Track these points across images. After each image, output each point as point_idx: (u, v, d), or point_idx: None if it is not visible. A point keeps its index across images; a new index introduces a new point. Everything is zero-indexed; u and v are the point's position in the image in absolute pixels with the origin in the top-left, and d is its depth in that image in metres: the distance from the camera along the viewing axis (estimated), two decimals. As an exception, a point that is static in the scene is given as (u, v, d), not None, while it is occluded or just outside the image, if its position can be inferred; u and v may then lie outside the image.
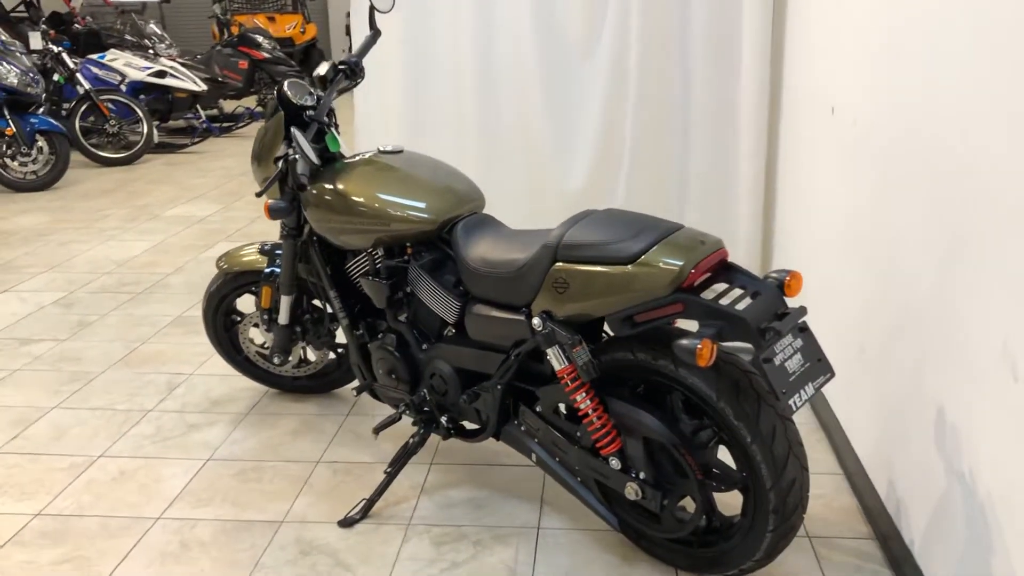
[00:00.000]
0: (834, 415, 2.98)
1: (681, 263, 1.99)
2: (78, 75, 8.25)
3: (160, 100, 9.16)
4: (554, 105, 4.32)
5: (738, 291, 2.04)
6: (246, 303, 3.82)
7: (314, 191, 2.63)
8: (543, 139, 4.36)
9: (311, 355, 3.30)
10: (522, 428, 2.46)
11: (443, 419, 2.62)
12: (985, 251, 1.83)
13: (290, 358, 3.22)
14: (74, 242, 5.70)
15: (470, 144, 4.39)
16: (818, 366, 2.04)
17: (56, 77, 8.31)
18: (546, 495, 2.71)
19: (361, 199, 2.54)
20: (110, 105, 8.31)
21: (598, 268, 2.09)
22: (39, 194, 7.16)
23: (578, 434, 2.32)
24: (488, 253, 2.38)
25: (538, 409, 2.40)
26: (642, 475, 2.20)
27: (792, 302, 2.71)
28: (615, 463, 2.22)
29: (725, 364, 2.08)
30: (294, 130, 2.51)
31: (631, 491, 2.21)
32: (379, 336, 2.73)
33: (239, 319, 3.32)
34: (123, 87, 8.91)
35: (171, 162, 8.53)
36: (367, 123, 4.42)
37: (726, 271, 2.09)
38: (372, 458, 2.95)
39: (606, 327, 2.24)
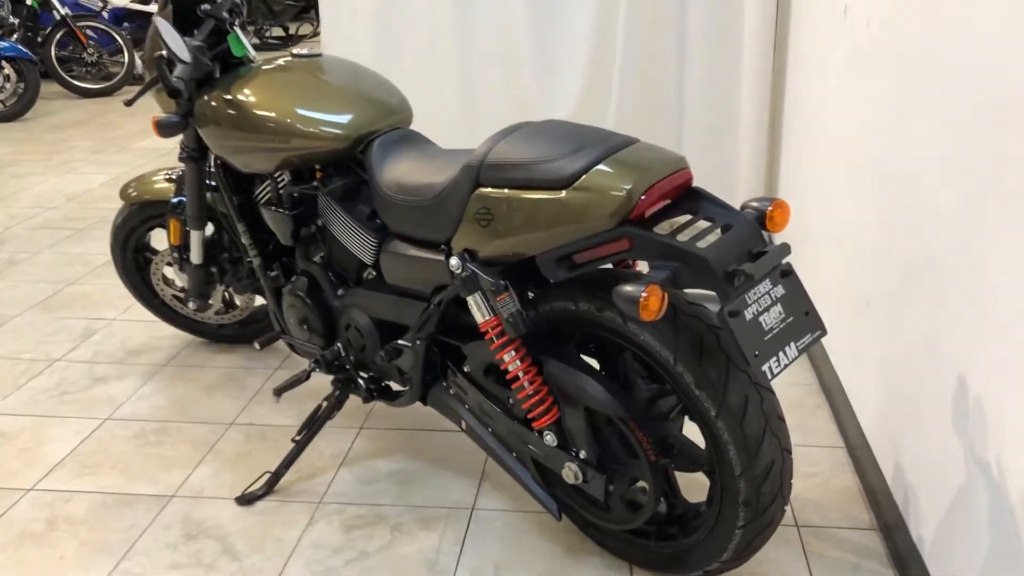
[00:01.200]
0: (837, 377, 2.52)
1: (628, 187, 1.53)
2: (53, -1, 7.77)
3: (144, 28, 8.66)
4: (538, 26, 3.82)
5: (703, 224, 1.58)
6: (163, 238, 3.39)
7: (211, 102, 2.17)
8: (526, 64, 3.87)
9: (237, 299, 2.88)
10: (451, 391, 2.03)
11: (362, 378, 2.19)
12: (1022, 188, 1.36)
13: (211, 302, 2.80)
14: (29, 175, 5.29)
15: (448, 68, 3.91)
16: (804, 321, 1.59)
17: (30, 1, 7.83)
18: (488, 468, 2.29)
19: (259, 111, 2.08)
20: (89, 33, 7.85)
21: (526, 194, 1.63)
22: (6, 125, 6.75)
23: (510, 401, 1.89)
24: (404, 176, 1.92)
25: (466, 369, 1.97)
26: (583, 454, 1.77)
27: (782, 241, 2.22)
28: (550, 438, 1.79)
29: (686, 317, 1.62)
30: (157, 20, 2.04)
31: (570, 473, 1.78)
32: (291, 282, 2.30)
33: (153, 256, 2.89)
34: (104, 13, 8.41)
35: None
36: (335, 41, 3.95)
37: (691, 199, 1.63)
38: (294, 420, 2.54)
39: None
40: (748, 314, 1.50)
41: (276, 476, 2.22)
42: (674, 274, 1.49)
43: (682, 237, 1.54)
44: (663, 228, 1.57)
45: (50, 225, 4.34)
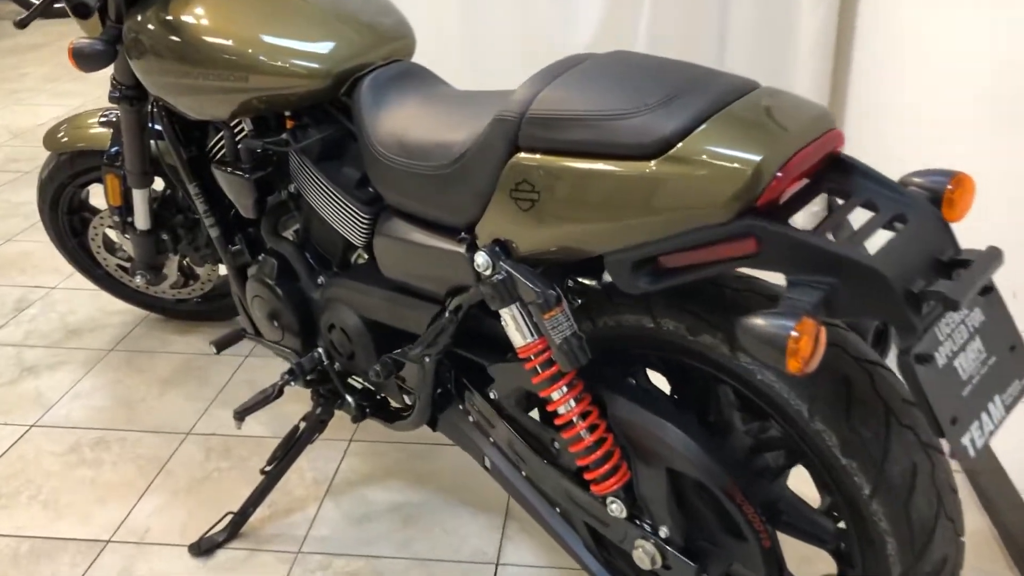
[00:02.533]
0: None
1: (756, 158, 0.99)
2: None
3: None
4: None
5: (860, 212, 1.05)
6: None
7: (146, 25, 1.61)
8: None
9: (197, 270, 2.34)
10: (470, 418, 1.51)
11: (351, 394, 1.68)
12: None
13: (164, 274, 2.27)
14: (-27, 106, 4.67)
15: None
16: (1010, 362, 1.07)
17: (-21, -91, 7.05)
18: (514, 504, 1.80)
19: (208, 37, 1.52)
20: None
21: (591, 165, 1.09)
22: (-47, 48, 6.08)
23: (555, 445, 1.37)
24: (407, 131, 1.37)
25: (492, 395, 1.45)
26: (663, 531, 1.27)
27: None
28: (616, 507, 1.28)
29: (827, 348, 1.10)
30: None
31: (644, 556, 1.28)
32: (257, 261, 1.76)
33: (91, 217, 2.35)
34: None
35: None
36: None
37: (837, 172, 1.09)
38: (267, 429, 2.03)
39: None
40: (940, 358, 0.98)
41: (242, 517, 1.72)
42: (828, 295, 0.97)
43: (835, 235, 1.01)
44: (801, 220, 1.04)
45: (-10, 167, 3.76)
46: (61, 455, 1.95)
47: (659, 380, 1.33)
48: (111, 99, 1.88)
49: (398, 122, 1.40)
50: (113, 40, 1.71)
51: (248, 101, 1.53)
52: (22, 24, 1.66)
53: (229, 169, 1.62)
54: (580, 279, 1.34)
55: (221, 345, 1.78)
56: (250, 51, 1.49)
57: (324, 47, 1.49)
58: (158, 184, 2.09)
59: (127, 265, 2.35)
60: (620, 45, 3.36)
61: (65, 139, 2.14)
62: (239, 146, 1.61)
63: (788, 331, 0.91)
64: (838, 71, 2.99)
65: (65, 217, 2.30)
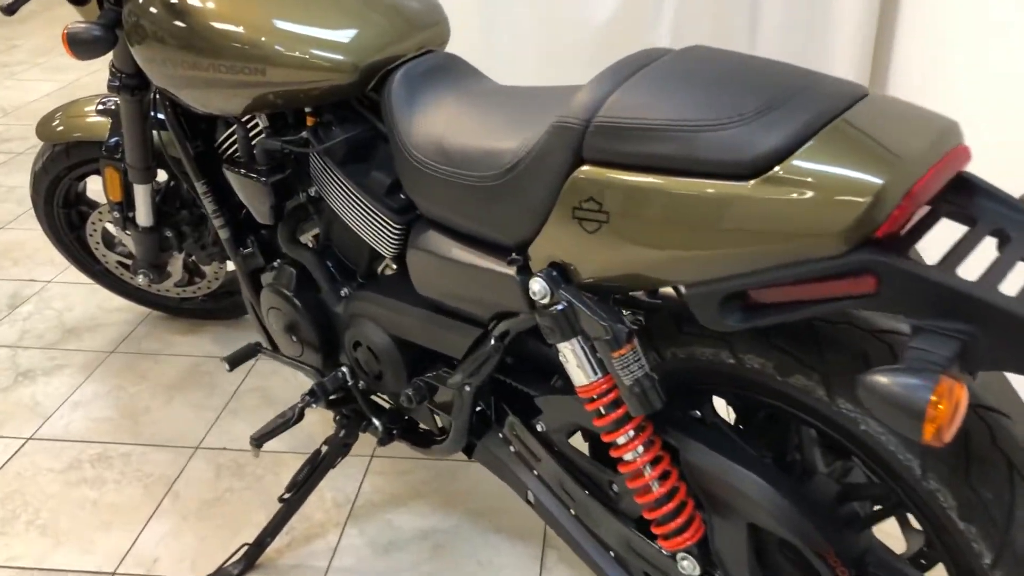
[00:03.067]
0: None
1: (880, 181, 0.83)
2: None
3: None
4: None
5: (989, 241, 0.90)
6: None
7: (148, 7, 1.44)
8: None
9: (204, 268, 2.19)
10: (511, 448, 1.37)
11: (377, 415, 1.53)
12: None
13: (171, 272, 2.12)
14: (-37, 81, 4.48)
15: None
16: None
17: None
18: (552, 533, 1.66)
19: (218, 23, 1.36)
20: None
21: (674, 183, 0.94)
22: (-59, 19, 5.86)
23: (613, 488, 1.23)
24: (447, 134, 1.22)
25: (540, 428, 1.30)
26: (742, 593, 1.13)
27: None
28: (688, 564, 1.14)
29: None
30: None
31: (718, 620, 1.14)
32: (272, 267, 1.61)
33: (88, 211, 2.19)
34: None
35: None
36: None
37: (960, 193, 0.93)
38: (283, 443, 1.89)
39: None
40: None
41: (258, 548, 1.58)
42: (964, 347, 0.82)
43: (968, 273, 0.87)
44: (919, 254, 0.89)
45: (-19, 147, 3.59)
46: (60, 472, 1.81)
47: (718, 403, 1.19)
48: (110, 88, 1.72)
49: (436, 123, 1.25)
50: (112, 24, 1.55)
51: (263, 96, 1.37)
52: (10, 10, 1.49)
53: (243, 171, 1.46)
54: (638, 297, 1.20)
55: (234, 362, 1.63)
56: (266, 40, 1.33)
57: (350, 36, 1.33)
58: (161, 176, 1.93)
59: (128, 262, 2.19)
60: (641, 24, 3.19)
61: (60, 129, 1.97)
62: (254, 146, 1.45)
63: (926, 397, 0.76)
64: (878, 60, 2.82)
65: (61, 211, 2.15)
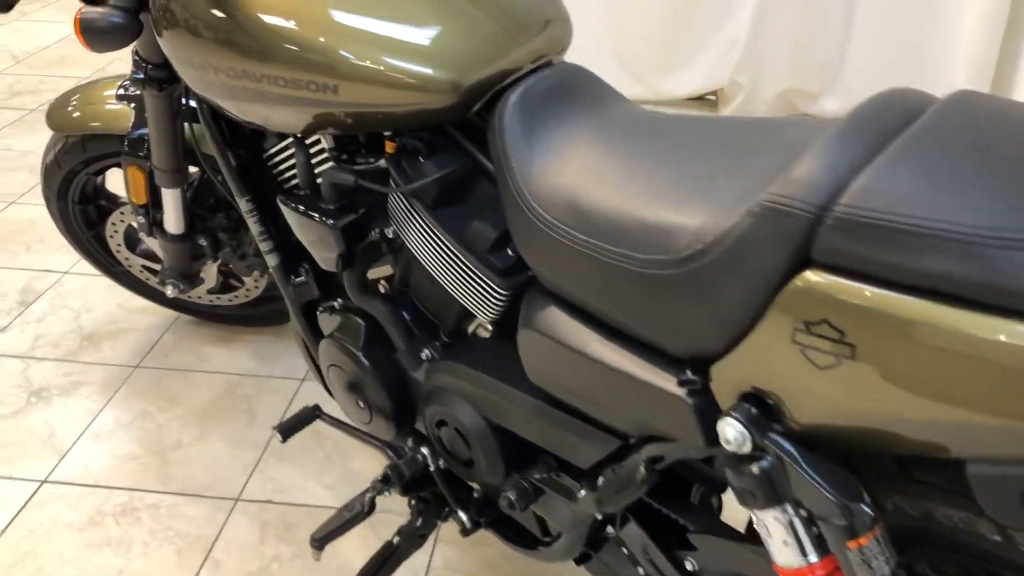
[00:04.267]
0: None
1: None
2: None
3: None
4: None
5: None
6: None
7: (175, 2, 1.13)
8: None
9: (243, 277, 1.90)
10: (638, 569, 1.09)
11: (463, 507, 1.25)
12: None
13: (203, 279, 1.84)
14: (-29, 21, 4.15)
15: None
16: None
17: None
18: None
19: (271, 18, 1.05)
20: None
21: (971, 320, 0.63)
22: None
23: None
24: (586, 188, 0.91)
25: (689, 566, 1.02)
26: None
27: None
28: None
29: None
30: None
31: None
32: (333, 308, 1.32)
33: (109, 207, 1.89)
34: None
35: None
36: None
37: None
38: (336, 495, 1.62)
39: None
40: None
41: (315, 651, 1.33)
42: None
43: None
44: None
45: (-10, 102, 3.28)
46: (80, 530, 1.55)
47: None
48: (133, 81, 1.41)
49: (568, 170, 0.94)
50: (136, 7, 1.23)
51: (331, 116, 1.06)
52: (7, 6, 1.17)
53: (302, 208, 1.16)
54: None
55: (288, 432, 1.36)
56: (337, 46, 1.01)
57: (449, 45, 1.01)
58: (191, 168, 1.63)
59: (154, 267, 1.91)
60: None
61: (75, 118, 1.67)
62: (317, 175, 1.14)
63: None
64: (1006, 54, 2.46)
65: (77, 207, 1.85)
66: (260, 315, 1.99)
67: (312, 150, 1.19)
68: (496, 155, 0.99)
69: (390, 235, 1.17)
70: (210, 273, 1.87)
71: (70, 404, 1.83)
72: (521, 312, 1.00)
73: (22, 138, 2.98)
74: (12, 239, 2.40)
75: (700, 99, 3.21)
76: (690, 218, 0.80)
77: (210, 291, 1.92)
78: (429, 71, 0.99)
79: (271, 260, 1.39)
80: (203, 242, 1.71)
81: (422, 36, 1.01)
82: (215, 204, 1.71)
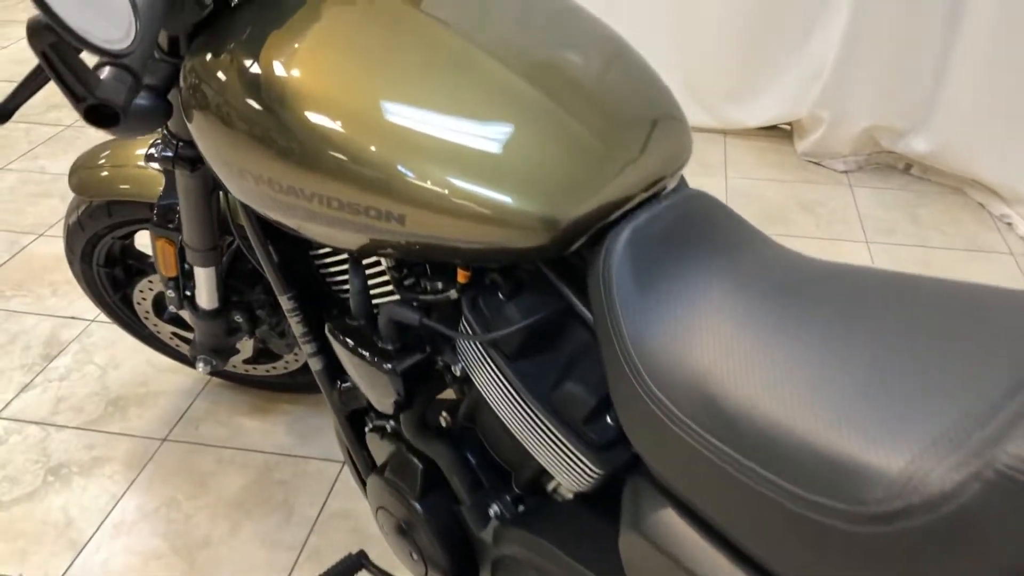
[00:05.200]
0: None
1: None
2: None
3: None
4: None
5: None
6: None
7: (215, 73, 0.94)
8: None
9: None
10: None
11: None
12: None
13: (238, 349, 1.67)
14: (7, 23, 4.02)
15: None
16: None
17: None
18: None
19: (321, 118, 0.85)
20: None
21: None
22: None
23: None
24: (726, 378, 0.70)
25: None
26: None
27: None
28: None
29: None
30: None
31: None
32: (384, 431, 1.13)
33: (138, 267, 1.72)
34: None
35: None
36: None
37: None
38: (379, 613, 1.44)
39: None
40: None
41: None
42: None
43: None
44: None
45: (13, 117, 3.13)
46: (95, 648, 1.39)
47: None
48: (161, 158, 1.23)
49: (698, 347, 0.74)
50: (165, 86, 1.04)
51: (395, 243, 0.87)
52: (5, 113, 0.98)
53: (356, 347, 0.97)
54: None
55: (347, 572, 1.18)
56: (404, 165, 0.82)
57: (543, 167, 0.82)
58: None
59: (186, 335, 1.74)
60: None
61: (100, 182, 1.49)
62: (375, 306, 0.96)
63: None
64: None
65: (102, 270, 1.68)
66: (300, 384, 1.82)
67: (370, 271, 1.00)
68: (600, 308, 0.80)
69: (458, 373, 0.98)
70: (246, 345, 1.69)
71: (89, 486, 1.67)
72: (624, 507, 0.81)
73: (56, 159, 2.83)
74: (38, 279, 2.25)
75: (772, 128, 2.99)
76: (880, 453, 0.60)
77: (246, 361, 1.75)
78: (517, 203, 0.80)
79: (314, 364, 1.21)
80: (239, 318, 1.53)
81: (509, 153, 0.81)
82: (252, 275, 1.54)
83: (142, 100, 1.02)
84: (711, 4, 2.74)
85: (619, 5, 2.84)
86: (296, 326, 1.20)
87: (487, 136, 0.82)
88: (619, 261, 0.79)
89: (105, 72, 0.74)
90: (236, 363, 1.77)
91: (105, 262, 1.67)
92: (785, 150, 2.92)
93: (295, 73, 0.88)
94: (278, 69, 0.88)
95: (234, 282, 1.53)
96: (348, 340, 0.97)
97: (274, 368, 1.75)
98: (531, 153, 0.81)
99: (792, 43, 2.73)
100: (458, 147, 0.81)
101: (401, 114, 0.83)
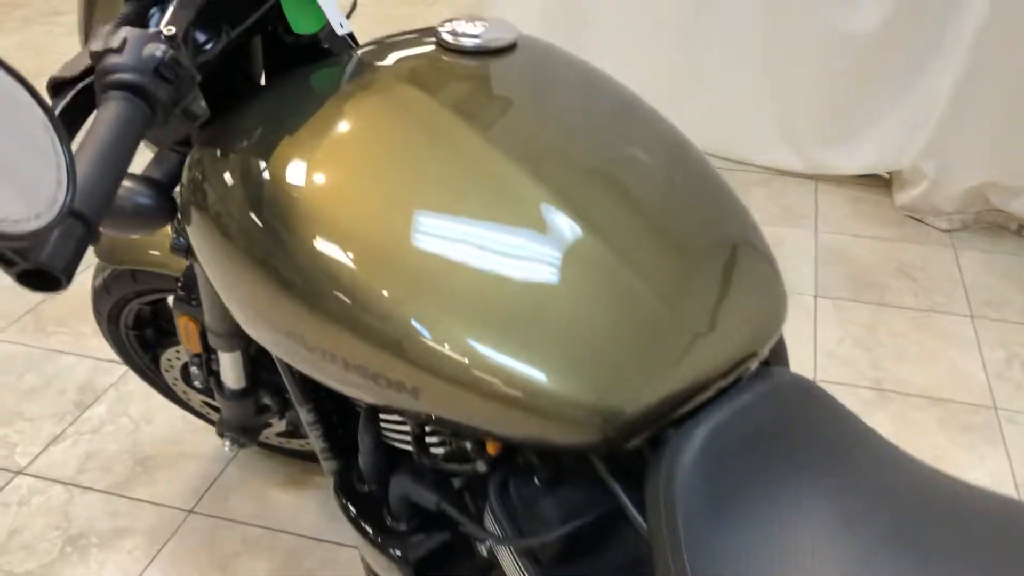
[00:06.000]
0: None
1: None
2: None
3: None
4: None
5: None
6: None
7: (218, 181, 0.81)
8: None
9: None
10: None
11: None
12: None
13: (270, 425, 1.54)
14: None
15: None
16: None
17: None
18: None
19: (329, 246, 0.70)
20: None
21: None
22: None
23: None
24: None
25: None
26: None
27: None
28: None
29: None
30: None
31: None
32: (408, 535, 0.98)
33: (169, 328, 1.61)
34: None
35: None
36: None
37: None
38: None
39: None
40: None
41: None
42: None
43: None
44: None
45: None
46: None
47: None
48: (173, 249, 1.09)
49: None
50: (170, 183, 0.91)
51: (411, 412, 0.71)
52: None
53: (357, 516, 0.81)
54: None
55: None
56: (415, 319, 0.66)
57: (590, 344, 0.65)
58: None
59: (218, 405, 1.61)
60: (920, 33, 2.34)
61: (122, 250, 1.37)
62: (390, 487, 0.80)
63: None
64: None
65: (131, 332, 1.57)
66: (336, 457, 1.68)
67: (386, 417, 0.85)
68: (658, 524, 0.63)
69: (485, 553, 0.82)
70: (280, 422, 1.56)
71: (108, 562, 1.56)
72: None
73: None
74: (79, 316, 2.17)
75: (868, 176, 2.75)
76: None
77: (279, 434, 1.62)
78: (555, 387, 0.63)
79: (335, 481, 1.06)
80: (268, 400, 1.40)
81: (548, 316, 0.65)
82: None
83: (143, 198, 0.89)
84: (810, 40, 2.52)
85: (705, 30, 2.65)
86: (315, 441, 1.06)
87: (522, 292, 0.66)
88: (687, 474, 0.62)
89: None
90: (269, 436, 1.64)
91: (134, 324, 1.55)
92: (882, 202, 2.68)
93: (304, 187, 0.74)
94: (286, 178, 0.74)
95: (264, 359, 1.40)
96: (352, 509, 0.82)
97: (308, 443, 1.62)
98: (577, 319, 0.65)
99: (898, 87, 2.49)
100: (486, 303, 0.65)
101: (422, 253, 0.67)
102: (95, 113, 0.68)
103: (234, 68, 0.95)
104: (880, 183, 2.75)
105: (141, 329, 1.58)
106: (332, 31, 0.90)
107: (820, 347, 2.07)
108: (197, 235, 0.85)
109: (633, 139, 0.80)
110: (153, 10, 0.82)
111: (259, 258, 0.75)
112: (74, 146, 0.71)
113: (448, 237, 0.68)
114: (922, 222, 2.57)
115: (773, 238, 2.49)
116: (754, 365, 0.70)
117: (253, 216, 0.77)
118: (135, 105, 0.66)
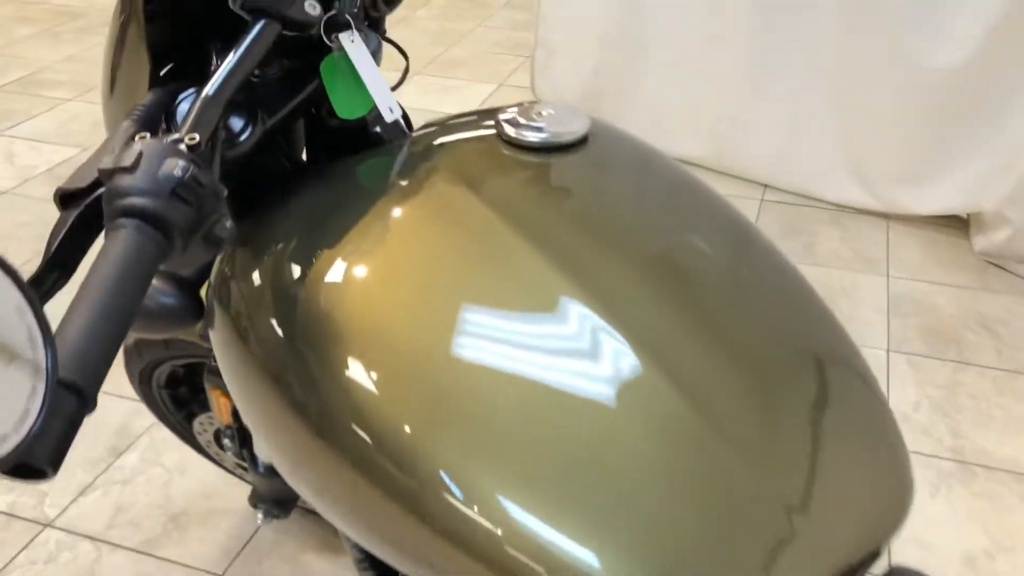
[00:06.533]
0: None
1: None
2: None
3: None
4: None
5: None
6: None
7: (236, 268, 0.72)
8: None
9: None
10: None
11: None
12: None
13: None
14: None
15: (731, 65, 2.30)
16: None
17: None
18: None
19: (345, 373, 0.62)
20: None
21: None
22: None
23: None
24: None
25: None
26: None
27: None
28: None
29: None
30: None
31: None
32: None
33: (199, 390, 1.53)
34: None
35: None
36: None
37: None
38: None
39: None
40: None
41: None
42: None
43: None
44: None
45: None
46: None
47: None
48: (203, 337, 1.00)
49: None
50: (197, 281, 0.82)
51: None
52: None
53: None
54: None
55: None
56: (444, 471, 0.56)
57: (656, 532, 0.54)
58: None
59: (245, 466, 1.53)
60: (1010, 71, 2.17)
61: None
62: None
63: None
64: None
65: (164, 391, 1.49)
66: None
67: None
68: None
69: None
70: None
71: (134, 632, 1.48)
72: None
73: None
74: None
75: (942, 216, 2.59)
76: None
77: (315, 501, 1.53)
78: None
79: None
80: (302, 476, 1.31)
81: (601, 482, 0.54)
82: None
83: (168, 298, 0.80)
84: (889, 72, 2.37)
85: (773, 57, 2.52)
86: (352, 551, 0.96)
87: (579, 460, 0.55)
88: None
89: None
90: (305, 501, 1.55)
91: (167, 383, 1.48)
92: (960, 245, 2.52)
93: (335, 304, 0.65)
94: (316, 294, 0.65)
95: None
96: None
97: (346, 512, 1.53)
98: (639, 497, 0.54)
99: (983, 127, 2.33)
100: (531, 459, 0.55)
101: (461, 393, 0.57)
102: (103, 237, 0.59)
103: (274, 147, 0.86)
104: (957, 223, 2.58)
105: (175, 388, 1.50)
106: (381, 114, 0.80)
107: (895, 410, 1.92)
108: (219, 341, 0.76)
109: (721, 255, 0.69)
110: (181, 97, 0.73)
111: (276, 374, 0.67)
112: (79, 271, 0.63)
113: (490, 380, 0.58)
114: (1005, 270, 2.41)
115: (842, 283, 2.35)
116: (872, 568, 0.58)
117: (276, 328, 0.68)
118: (147, 236, 0.56)
